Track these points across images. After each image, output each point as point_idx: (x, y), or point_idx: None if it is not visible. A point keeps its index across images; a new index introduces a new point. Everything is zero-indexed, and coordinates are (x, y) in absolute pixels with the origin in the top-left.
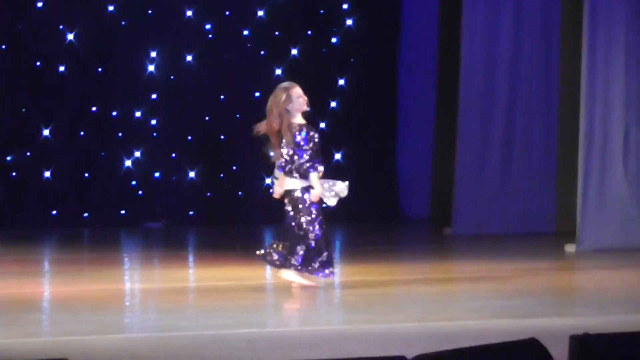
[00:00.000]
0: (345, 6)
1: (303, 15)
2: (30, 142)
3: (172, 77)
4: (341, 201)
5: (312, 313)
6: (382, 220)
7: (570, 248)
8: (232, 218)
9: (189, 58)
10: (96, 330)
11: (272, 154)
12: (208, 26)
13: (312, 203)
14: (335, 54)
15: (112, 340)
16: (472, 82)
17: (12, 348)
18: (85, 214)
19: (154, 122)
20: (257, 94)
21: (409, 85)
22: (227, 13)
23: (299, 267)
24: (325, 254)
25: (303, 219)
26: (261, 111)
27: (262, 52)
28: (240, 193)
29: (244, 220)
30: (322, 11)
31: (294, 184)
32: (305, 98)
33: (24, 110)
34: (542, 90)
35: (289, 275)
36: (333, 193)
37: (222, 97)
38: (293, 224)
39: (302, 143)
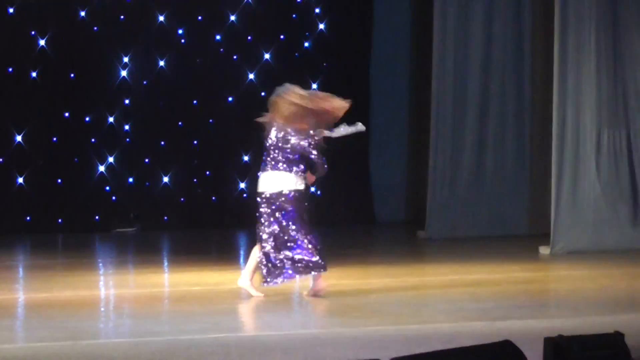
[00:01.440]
0: (317, 10)
1: (275, 20)
2: (3, 148)
3: (144, 82)
4: (316, 205)
5: (287, 317)
6: (356, 224)
7: (544, 250)
8: (206, 223)
9: (161, 63)
10: (70, 336)
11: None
12: (180, 31)
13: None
14: (307, 58)
15: (86, 346)
16: (444, 86)
17: None
18: (59, 220)
19: (127, 127)
20: (230, 99)
21: (382, 89)
22: (200, 18)
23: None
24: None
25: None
26: (233, 116)
27: (235, 57)
28: (213, 198)
29: (218, 224)
30: (294, 15)
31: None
32: None
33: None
34: (514, 93)
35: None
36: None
37: (194, 101)
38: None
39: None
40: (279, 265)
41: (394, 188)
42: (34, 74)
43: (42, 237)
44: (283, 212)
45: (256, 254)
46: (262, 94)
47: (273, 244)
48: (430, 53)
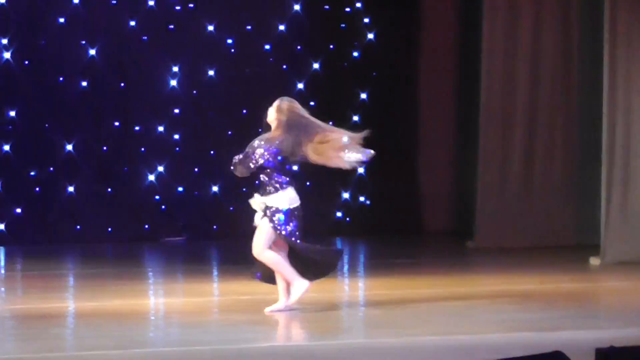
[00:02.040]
0: (366, 20)
1: (324, 30)
2: (53, 157)
3: (194, 91)
4: (365, 214)
5: (336, 327)
6: (404, 233)
7: (594, 261)
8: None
9: (210, 72)
10: (119, 344)
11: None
12: (229, 40)
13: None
14: (356, 67)
15: (135, 354)
16: (493, 96)
17: None
18: (109, 229)
19: (176, 136)
20: None
21: (431, 98)
22: (249, 27)
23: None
24: None
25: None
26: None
27: (284, 67)
28: None
29: None
30: (343, 25)
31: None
32: None
33: (46, 125)
34: (562, 103)
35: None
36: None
37: (244, 111)
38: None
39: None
40: None
41: (443, 198)
42: (84, 84)
43: (91, 246)
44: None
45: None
46: (312, 103)
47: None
48: (478, 63)
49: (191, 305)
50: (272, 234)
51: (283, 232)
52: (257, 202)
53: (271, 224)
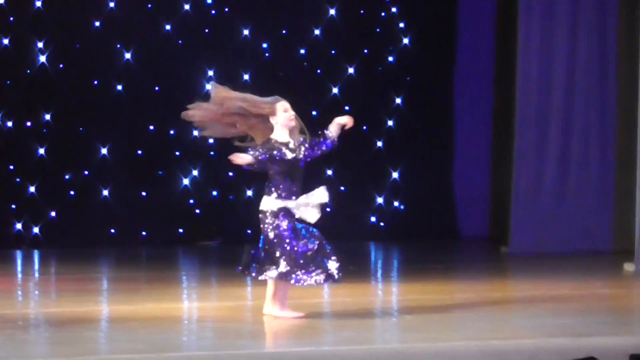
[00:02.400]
0: (401, 25)
1: (359, 34)
2: (88, 161)
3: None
4: (399, 219)
5: (368, 331)
6: (438, 239)
7: (629, 267)
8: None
9: (245, 76)
10: (153, 348)
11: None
12: (264, 45)
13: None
14: (391, 72)
15: (168, 358)
16: (529, 99)
17: None
18: (143, 233)
19: (211, 140)
20: (314, 113)
21: (465, 103)
22: (284, 31)
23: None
24: None
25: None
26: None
27: (319, 71)
28: None
29: None
30: (378, 30)
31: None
32: (292, 112)
33: (81, 129)
34: (598, 109)
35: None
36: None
37: None
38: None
39: None
40: None
41: (478, 203)
42: (119, 87)
43: (126, 249)
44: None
45: None
46: (346, 108)
47: None
48: (514, 67)
49: (225, 310)
50: None
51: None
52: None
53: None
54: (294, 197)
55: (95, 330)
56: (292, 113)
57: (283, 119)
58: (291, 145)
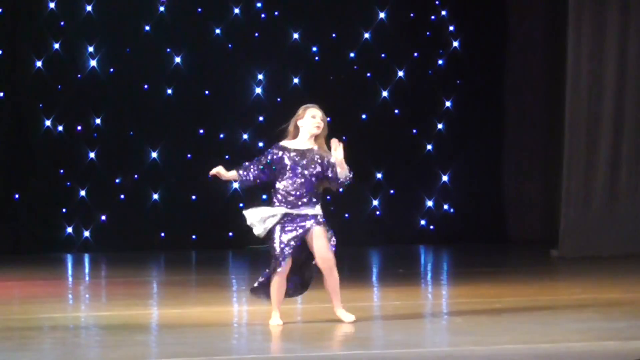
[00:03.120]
0: (451, 28)
1: (409, 37)
2: (139, 165)
3: (278, 99)
4: (448, 222)
5: (418, 334)
6: (488, 242)
7: None
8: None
9: (295, 80)
10: (203, 352)
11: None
12: (314, 48)
13: None
14: (441, 75)
15: None
16: (578, 103)
17: None
18: (193, 236)
19: (261, 144)
20: (363, 116)
21: (516, 106)
22: (334, 35)
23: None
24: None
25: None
26: (366, 133)
27: (369, 74)
28: (346, 215)
29: (350, 242)
30: (428, 33)
31: None
32: (318, 121)
33: (131, 133)
34: None
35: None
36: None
37: (329, 119)
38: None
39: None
40: None
41: (528, 206)
42: (169, 91)
43: (176, 253)
44: None
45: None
46: (396, 111)
47: None
48: (564, 70)
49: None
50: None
51: (332, 241)
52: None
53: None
54: (288, 207)
55: (146, 334)
56: (319, 121)
57: (308, 124)
58: (307, 153)
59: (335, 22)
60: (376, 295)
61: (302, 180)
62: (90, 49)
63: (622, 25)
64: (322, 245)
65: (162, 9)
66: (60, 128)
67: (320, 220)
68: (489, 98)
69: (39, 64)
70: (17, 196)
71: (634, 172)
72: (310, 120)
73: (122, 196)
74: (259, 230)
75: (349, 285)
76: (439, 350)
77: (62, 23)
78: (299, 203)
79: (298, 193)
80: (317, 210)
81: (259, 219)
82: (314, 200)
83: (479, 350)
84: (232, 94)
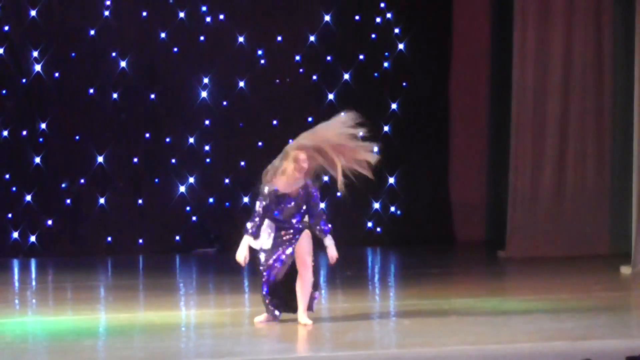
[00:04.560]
0: (396, 30)
1: (355, 40)
2: (85, 169)
3: (224, 102)
4: (396, 224)
5: (367, 336)
6: (435, 243)
7: (625, 270)
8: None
9: (241, 84)
10: (151, 356)
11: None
12: (260, 52)
13: None
14: (387, 78)
15: None
16: (524, 104)
17: None
18: (140, 240)
19: (207, 147)
20: (310, 119)
21: (461, 109)
22: (279, 39)
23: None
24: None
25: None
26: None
27: (315, 77)
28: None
29: None
30: (373, 36)
31: None
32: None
33: (77, 137)
34: (594, 112)
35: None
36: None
37: (274, 122)
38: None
39: None
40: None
41: (474, 207)
42: (114, 95)
43: (122, 257)
44: None
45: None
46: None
47: None
48: (510, 72)
49: (222, 316)
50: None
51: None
52: None
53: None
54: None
55: (94, 339)
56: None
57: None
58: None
59: (280, 25)
60: (324, 298)
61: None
62: (35, 53)
63: (567, 26)
64: (302, 245)
65: (107, 13)
66: (5, 133)
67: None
68: (435, 100)
69: None
70: None
71: (579, 173)
72: (294, 166)
73: (69, 201)
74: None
75: None
76: (388, 352)
77: (6, 28)
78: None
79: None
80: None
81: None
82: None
83: (427, 351)
84: (178, 98)
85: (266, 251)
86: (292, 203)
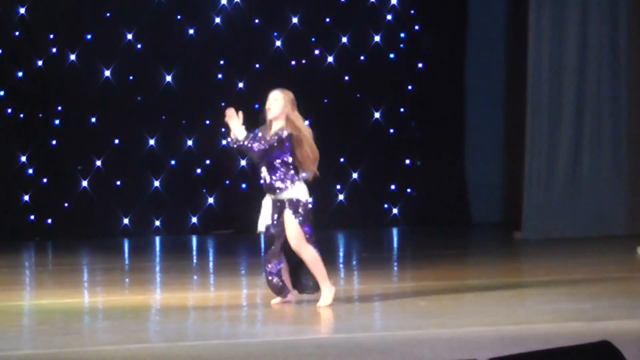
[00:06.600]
0: (412, 12)
1: (370, 22)
2: (101, 151)
3: (240, 85)
4: (412, 205)
5: (383, 318)
6: (452, 225)
7: None
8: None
9: (256, 65)
10: (166, 338)
11: None
12: (275, 33)
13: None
14: (403, 59)
15: (182, 348)
16: (540, 86)
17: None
18: (156, 222)
19: (223, 129)
20: (325, 101)
21: (477, 90)
22: (295, 20)
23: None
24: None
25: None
26: (329, 117)
27: (330, 59)
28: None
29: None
30: (389, 17)
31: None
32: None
33: (93, 119)
34: (610, 94)
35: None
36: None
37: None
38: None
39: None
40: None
41: (490, 189)
42: (130, 77)
43: (139, 239)
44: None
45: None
46: (358, 95)
47: None
48: (525, 54)
49: (238, 298)
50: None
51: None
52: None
53: (296, 219)
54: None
55: (111, 320)
56: (267, 106)
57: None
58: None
59: (296, 7)
60: (342, 279)
61: (264, 166)
62: (51, 35)
63: (583, 9)
64: (286, 228)
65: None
66: (21, 115)
67: (293, 201)
68: (451, 81)
69: None
70: None
71: (595, 153)
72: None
73: (85, 183)
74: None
75: None
76: (404, 333)
77: (22, 10)
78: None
79: (266, 180)
80: (292, 192)
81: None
82: (286, 182)
83: (443, 332)
84: (193, 80)
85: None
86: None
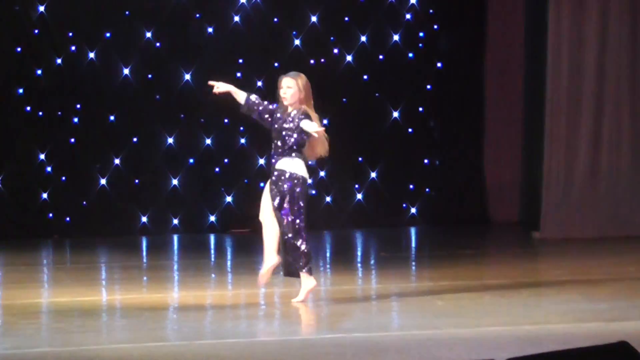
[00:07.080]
0: (431, 11)
1: (389, 21)
2: (119, 149)
3: (258, 83)
4: (430, 205)
5: (402, 317)
6: (470, 224)
7: None
8: (318, 224)
9: (275, 64)
10: (185, 336)
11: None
12: (294, 32)
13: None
14: (422, 58)
15: (201, 346)
16: (559, 85)
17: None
18: (175, 221)
19: (242, 128)
20: (344, 100)
21: (496, 89)
22: (314, 19)
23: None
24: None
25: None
26: (347, 116)
27: (349, 58)
28: (329, 198)
29: (331, 226)
30: (408, 16)
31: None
32: (284, 90)
33: (112, 117)
34: (629, 94)
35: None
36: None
37: None
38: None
39: None
40: None
41: (509, 188)
42: (149, 76)
43: (157, 238)
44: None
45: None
46: (376, 94)
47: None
48: (545, 53)
49: (256, 297)
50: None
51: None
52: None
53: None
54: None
55: (130, 318)
56: (284, 90)
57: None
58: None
59: (315, 6)
60: (359, 279)
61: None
62: (70, 33)
63: (602, 7)
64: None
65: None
66: (40, 113)
67: (287, 176)
68: (469, 80)
69: None
70: None
71: (614, 152)
72: (279, 92)
73: (103, 181)
74: None
75: (332, 268)
76: (421, 333)
77: (41, 8)
78: (276, 155)
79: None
80: (290, 166)
81: None
82: (292, 154)
83: (461, 332)
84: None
85: None
86: (276, 125)
